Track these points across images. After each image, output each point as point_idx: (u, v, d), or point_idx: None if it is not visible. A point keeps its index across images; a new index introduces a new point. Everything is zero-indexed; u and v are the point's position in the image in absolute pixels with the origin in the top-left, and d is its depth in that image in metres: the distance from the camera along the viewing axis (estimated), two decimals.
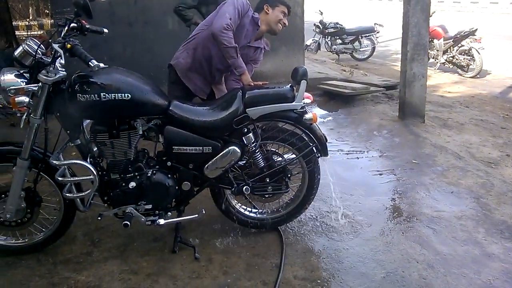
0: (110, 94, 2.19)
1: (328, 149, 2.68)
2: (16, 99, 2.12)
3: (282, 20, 2.96)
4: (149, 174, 2.43)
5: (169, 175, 2.48)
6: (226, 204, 2.69)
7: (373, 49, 10.75)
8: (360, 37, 10.56)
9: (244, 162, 2.60)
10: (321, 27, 10.55)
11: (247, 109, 2.42)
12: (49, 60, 2.17)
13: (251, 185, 2.55)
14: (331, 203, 3.20)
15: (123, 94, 2.22)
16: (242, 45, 2.90)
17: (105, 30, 2.50)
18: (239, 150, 2.46)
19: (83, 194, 2.38)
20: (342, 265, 2.52)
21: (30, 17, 17.45)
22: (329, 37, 10.58)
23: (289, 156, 2.70)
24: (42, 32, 10.64)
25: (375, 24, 10.77)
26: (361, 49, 10.66)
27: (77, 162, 2.33)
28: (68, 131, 2.34)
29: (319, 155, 2.65)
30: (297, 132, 2.61)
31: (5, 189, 2.43)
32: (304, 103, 2.50)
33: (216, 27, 2.66)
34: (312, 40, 10.70)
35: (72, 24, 2.25)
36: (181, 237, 2.68)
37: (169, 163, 2.48)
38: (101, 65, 2.10)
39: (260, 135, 2.50)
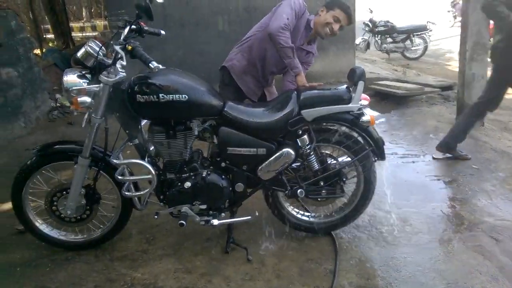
0: (168, 95, 2.22)
1: None
2: (78, 99, 2.19)
3: (331, 25, 2.82)
4: (204, 175, 2.44)
5: (223, 176, 2.48)
6: (279, 206, 2.65)
7: (425, 48, 10.38)
8: (411, 35, 10.24)
9: (298, 164, 2.55)
10: (371, 26, 10.32)
11: (302, 111, 2.38)
12: (110, 62, 2.22)
13: (305, 188, 2.50)
14: (387, 208, 3.09)
15: (180, 95, 2.24)
16: (297, 46, 2.86)
17: (162, 32, 2.54)
18: (293, 152, 2.42)
19: (141, 193, 2.43)
20: (400, 274, 2.42)
21: (84, 19, 18.23)
22: (379, 35, 10.34)
23: (344, 159, 2.63)
24: (96, 33, 11.05)
25: (427, 22, 10.39)
26: (412, 48, 10.33)
27: (137, 161, 2.38)
28: (127, 131, 2.39)
29: (375, 158, 2.56)
30: (352, 135, 2.53)
31: (66, 186, 2.52)
32: (361, 105, 2.43)
33: (274, 28, 2.63)
34: (361, 38, 10.48)
35: (132, 26, 2.30)
36: (233, 238, 2.68)
37: (223, 164, 2.48)
38: (160, 66, 2.13)
39: (315, 137, 2.44)
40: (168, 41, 5.21)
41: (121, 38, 2.21)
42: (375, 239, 2.75)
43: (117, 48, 2.13)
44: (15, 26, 5.09)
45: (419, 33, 10.26)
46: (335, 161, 2.60)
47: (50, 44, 9.44)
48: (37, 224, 2.64)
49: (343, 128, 2.51)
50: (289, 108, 2.38)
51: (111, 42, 2.18)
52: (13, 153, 4.51)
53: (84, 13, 18.83)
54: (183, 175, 2.46)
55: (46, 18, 10.12)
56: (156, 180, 2.35)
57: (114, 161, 2.33)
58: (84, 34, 13.84)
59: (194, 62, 5.45)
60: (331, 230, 2.76)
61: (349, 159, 2.60)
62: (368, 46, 10.49)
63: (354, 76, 2.40)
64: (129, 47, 2.13)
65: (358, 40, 10.22)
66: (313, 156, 2.49)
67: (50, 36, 10.57)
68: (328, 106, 2.39)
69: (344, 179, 2.55)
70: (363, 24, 10.36)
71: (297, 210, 2.77)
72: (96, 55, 2.19)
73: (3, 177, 3.84)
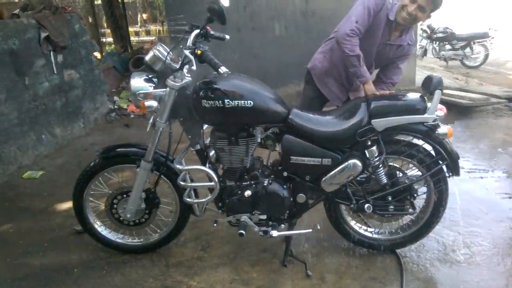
0: (233, 101, 2.16)
1: None
2: (145, 103, 2.17)
3: (406, 8, 2.49)
4: (265, 184, 2.36)
5: (285, 186, 2.39)
6: (341, 220, 2.53)
7: (486, 56, 9.81)
8: (472, 42, 9.72)
9: (364, 177, 2.42)
10: (428, 32, 9.91)
11: (372, 120, 2.25)
12: (177, 66, 2.20)
13: (371, 203, 2.36)
14: (455, 227, 2.88)
15: (245, 102, 2.17)
16: (382, 43, 2.66)
17: (227, 37, 2.49)
18: (360, 164, 2.29)
19: (203, 200, 2.38)
20: None
21: (139, 24, 18.79)
22: (437, 42, 9.90)
23: (413, 173, 2.47)
24: (154, 38, 11.33)
25: (489, 28, 9.84)
26: (472, 56, 9.81)
27: (200, 168, 2.34)
28: (190, 136, 2.36)
29: (450, 174, 2.38)
30: (425, 148, 2.37)
31: (127, 189, 2.52)
32: (437, 116, 2.26)
33: (340, 34, 2.52)
34: (419, 45, 10.07)
35: (198, 31, 2.26)
36: (291, 250, 2.58)
37: (285, 174, 2.39)
38: (229, 72, 2.07)
39: (384, 149, 2.30)
40: (223, 45, 5.21)
41: (190, 43, 2.18)
42: (444, 260, 2.57)
43: (187, 52, 2.09)
44: (79, 29, 5.26)
45: (480, 40, 9.72)
46: (404, 175, 2.44)
47: (109, 48, 9.77)
48: (96, 226, 2.66)
49: (416, 140, 2.35)
50: (359, 117, 2.26)
51: (181, 46, 2.15)
52: (72, 152, 4.64)
53: (139, 18, 19.43)
54: (243, 183, 2.39)
55: (105, 23, 10.51)
56: (218, 188, 2.29)
57: (178, 166, 2.30)
58: (139, 39, 14.25)
59: (249, 67, 5.40)
60: (396, 248, 2.60)
61: (419, 173, 2.44)
62: (425, 53, 10.08)
63: (431, 85, 2.24)
64: (199, 52, 2.09)
65: None
66: (381, 169, 2.35)
67: (109, 39, 10.92)
68: (401, 116, 2.24)
69: (415, 195, 2.39)
70: (420, 30, 9.95)
71: (360, 225, 2.63)
72: (164, 59, 2.17)
73: (62, 176, 3.99)
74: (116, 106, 5.99)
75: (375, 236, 2.61)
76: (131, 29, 16.45)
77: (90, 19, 9.07)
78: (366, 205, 2.34)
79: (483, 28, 10.00)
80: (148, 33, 16.69)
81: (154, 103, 2.19)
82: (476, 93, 5.79)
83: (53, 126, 4.69)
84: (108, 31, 10.36)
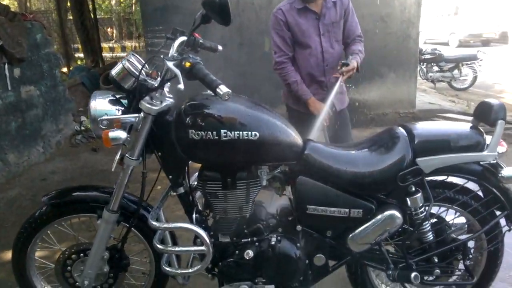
0: (232, 132, 1.57)
1: None
2: (110, 133, 1.54)
3: None
4: (272, 241, 1.76)
5: (298, 244, 1.79)
6: (370, 287, 1.94)
7: (475, 78, 9.57)
8: (460, 64, 9.49)
9: (402, 232, 1.84)
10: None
11: (417, 159, 1.69)
12: (155, 83, 1.60)
13: (415, 268, 1.78)
14: (497, 285, 2.33)
15: (249, 133, 1.59)
16: (322, 29, 2.56)
17: (220, 48, 1.91)
18: (400, 216, 1.72)
19: (188, 271, 1.74)
20: None
21: (114, 40, 18.16)
22: (425, 63, 9.61)
23: (459, 222, 1.91)
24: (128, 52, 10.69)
25: (478, 51, 9.65)
26: (460, 78, 9.56)
27: (187, 227, 1.70)
28: (171, 176, 1.74)
29: (510, 227, 1.83)
30: (479, 195, 1.83)
31: (85, 246, 1.88)
32: (498, 153, 1.73)
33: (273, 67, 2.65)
34: None
35: (185, 38, 1.67)
36: None
37: (298, 227, 1.79)
38: (230, 91, 1.48)
39: (432, 196, 1.74)
40: (206, 61, 4.63)
41: (173, 52, 1.59)
42: None
43: (170, 65, 1.50)
44: (41, 40, 4.61)
45: (468, 62, 9.51)
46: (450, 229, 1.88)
47: (79, 62, 9.06)
48: None
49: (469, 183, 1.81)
50: (399, 154, 1.70)
51: (161, 56, 1.55)
52: (27, 183, 3.95)
53: (114, 34, 18.80)
54: (242, 240, 1.78)
55: (76, 36, 9.82)
56: (212, 253, 1.67)
57: (154, 224, 1.66)
58: (114, 54, 13.58)
59: (236, 85, 4.82)
60: None
61: (462, 222, 1.89)
62: None
63: (491, 113, 1.71)
64: (187, 64, 1.49)
65: None
66: (428, 222, 1.78)
67: (80, 55, 10.24)
68: (455, 153, 1.69)
69: (470, 255, 1.83)
70: None
71: None
72: (137, 73, 1.57)
73: (12, 214, 3.29)
74: (82, 127, 5.30)
75: None
76: (105, 45, 15.83)
77: (58, 31, 8.39)
78: (413, 274, 1.74)
79: (472, 50, 9.82)
80: (123, 49, 16.11)
81: (122, 134, 1.56)
82: None
83: (6, 152, 4.00)
84: (80, 46, 9.67)
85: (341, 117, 2.73)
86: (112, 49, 16.08)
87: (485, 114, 1.75)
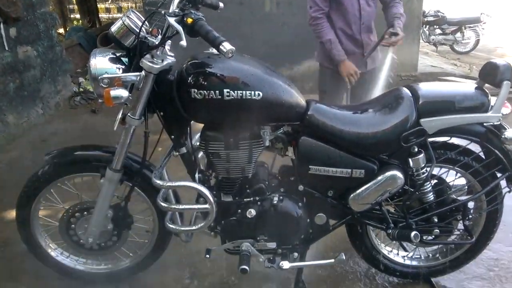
0: (235, 92, 1.56)
1: None
2: (111, 92, 1.52)
3: None
4: (274, 201, 1.78)
5: (300, 203, 1.82)
6: (369, 246, 1.98)
7: (477, 41, 9.47)
8: (463, 27, 9.35)
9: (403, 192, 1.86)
10: None
11: (421, 119, 1.69)
12: (156, 41, 1.56)
13: (415, 227, 1.81)
14: (494, 246, 2.38)
15: (252, 92, 1.57)
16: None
17: (221, 5, 1.87)
18: (401, 177, 1.73)
19: (192, 228, 1.77)
20: None
21: (110, 0, 17.73)
22: (428, 26, 9.47)
23: (457, 184, 1.93)
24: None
25: (481, 13, 9.47)
26: (463, 41, 9.45)
27: (190, 185, 1.72)
28: (173, 136, 1.74)
29: (510, 189, 1.85)
30: (481, 156, 1.83)
31: (89, 205, 1.90)
32: (502, 115, 1.72)
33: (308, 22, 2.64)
34: None
35: None
36: (304, 282, 1.99)
37: (300, 187, 1.81)
38: (234, 49, 1.45)
39: (434, 157, 1.74)
40: (206, 21, 4.54)
41: (173, 7, 1.55)
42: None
43: (172, 21, 1.46)
44: None
45: (471, 25, 9.37)
46: (451, 190, 1.89)
47: (75, 23, 8.87)
48: (49, 249, 2.05)
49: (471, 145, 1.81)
50: (403, 114, 1.69)
51: (163, 12, 1.51)
52: (27, 144, 3.95)
53: None
54: (244, 199, 1.80)
55: None
56: (215, 211, 1.69)
57: (158, 182, 1.67)
58: (110, 15, 13.28)
59: (235, 47, 4.78)
60: (435, 276, 2.08)
61: (463, 183, 1.91)
62: None
63: (497, 74, 1.69)
64: (189, 20, 1.46)
65: None
66: (429, 183, 1.80)
67: (77, 16, 10.01)
68: (459, 114, 1.69)
69: (469, 216, 1.86)
70: None
71: (390, 249, 2.09)
72: (138, 30, 1.53)
73: (13, 175, 3.31)
74: (81, 89, 5.26)
75: (408, 262, 2.08)
76: (101, 6, 15.46)
77: None
78: (413, 234, 1.78)
79: (475, 12, 9.62)
80: (119, 10, 15.77)
81: (124, 93, 1.54)
82: None
83: (5, 113, 3.97)
84: (76, 7, 9.44)
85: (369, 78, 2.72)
86: (108, 10, 15.74)
87: (490, 75, 1.73)
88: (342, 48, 2.60)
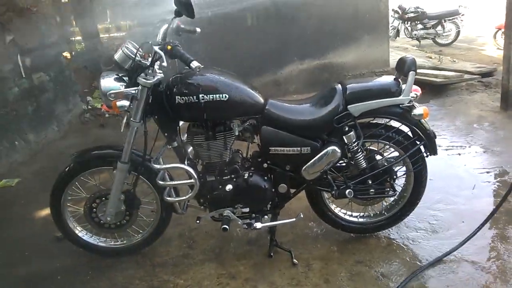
0: (208, 95, 2.13)
1: None
2: (117, 103, 2.11)
3: None
4: (245, 176, 2.34)
5: (266, 177, 2.38)
6: (324, 208, 2.53)
7: (458, 33, 9.97)
8: (443, 20, 9.87)
9: (343, 163, 2.42)
10: (400, 12, 10.03)
11: (348, 106, 2.24)
12: (147, 63, 2.14)
13: (352, 188, 2.37)
14: (435, 206, 2.92)
15: (221, 95, 2.14)
16: None
17: (198, 30, 2.45)
18: (339, 150, 2.29)
19: (183, 198, 2.35)
20: (457, 275, 2.27)
21: (108, 20, 18.32)
22: (409, 22, 10.02)
23: (392, 155, 2.48)
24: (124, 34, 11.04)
25: (459, 6, 9.98)
26: (444, 34, 9.97)
27: (178, 166, 2.30)
28: (166, 134, 2.31)
29: (427, 154, 2.40)
30: (401, 130, 2.38)
31: (105, 192, 2.47)
32: (412, 97, 2.27)
33: None
34: (391, 26, 10.13)
35: (167, 25, 2.21)
36: (276, 241, 2.57)
37: (265, 165, 2.38)
38: (201, 66, 2.03)
39: (362, 133, 2.30)
40: (196, 37, 5.14)
41: (159, 38, 2.13)
42: (427, 238, 2.60)
43: (156, 48, 2.04)
44: (46, 30, 5.10)
45: (450, 18, 9.89)
46: (382, 158, 2.45)
47: (78, 47, 9.48)
48: (76, 231, 2.60)
49: (392, 122, 2.36)
50: (335, 103, 2.26)
51: (149, 42, 2.10)
52: (47, 157, 4.52)
53: (108, 14, 18.97)
54: (224, 178, 2.36)
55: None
56: (198, 184, 2.26)
57: (155, 166, 2.25)
58: (110, 35, 13.89)
59: (223, 58, 5.33)
60: (381, 230, 2.63)
61: (397, 154, 2.46)
62: (398, 33, 10.19)
63: (404, 67, 2.24)
64: (169, 47, 2.04)
65: None
66: (360, 153, 2.36)
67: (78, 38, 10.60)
68: (377, 99, 2.24)
69: (394, 176, 2.41)
70: (392, 11, 10.01)
71: (344, 211, 2.64)
72: (133, 56, 2.11)
73: (39, 183, 3.88)
74: (89, 106, 5.85)
75: (359, 220, 2.62)
76: (100, 26, 16.08)
77: (58, 18, 8.78)
78: (347, 191, 2.35)
79: (453, 6, 10.13)
80: (119, 29, 16.31)
81: (126, 103, 2.13)
82: (449, 71, 5.87)
83: (26, 132, 4.56)
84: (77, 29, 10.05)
85: None
86: (108, 30, 16.28)
87: (401, 67, 2.28)
88: None
